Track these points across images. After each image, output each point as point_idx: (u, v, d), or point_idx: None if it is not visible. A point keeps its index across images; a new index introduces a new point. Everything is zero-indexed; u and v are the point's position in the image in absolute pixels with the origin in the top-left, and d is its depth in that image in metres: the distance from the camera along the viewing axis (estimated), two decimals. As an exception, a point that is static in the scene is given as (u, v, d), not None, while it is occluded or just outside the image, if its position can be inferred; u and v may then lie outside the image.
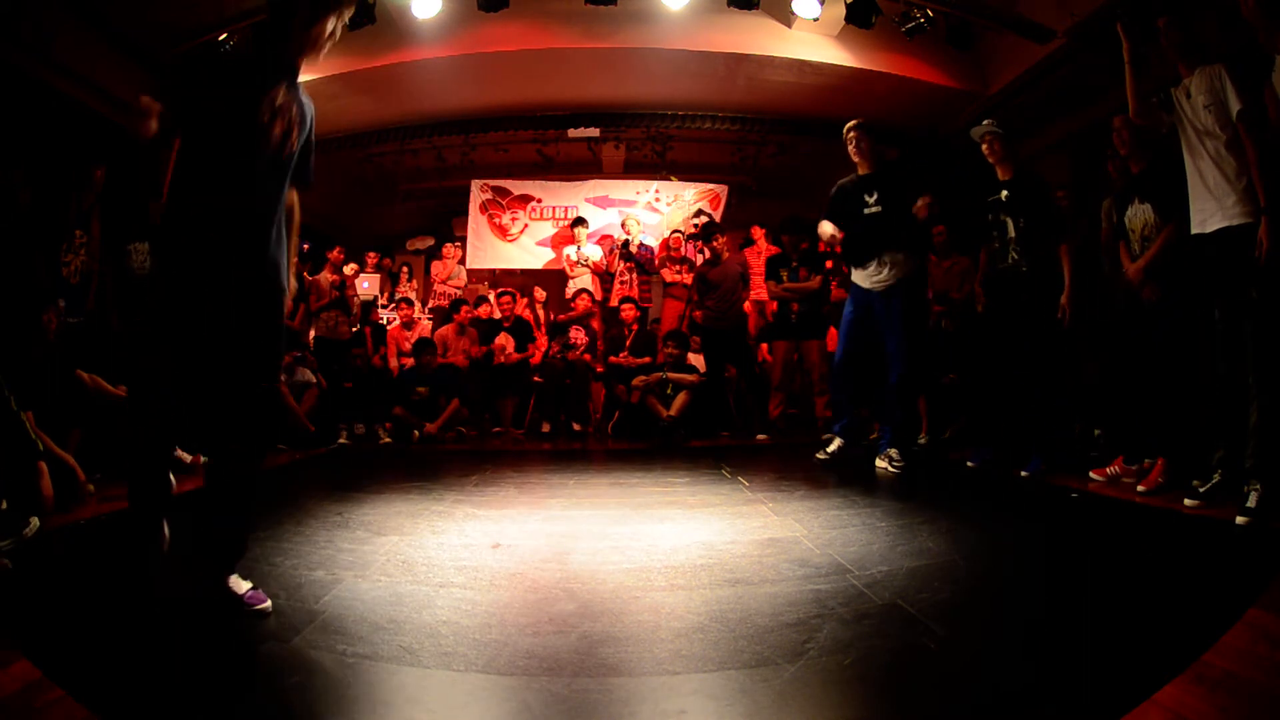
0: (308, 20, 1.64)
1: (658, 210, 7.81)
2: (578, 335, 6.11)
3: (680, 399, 5.42)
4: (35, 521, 2.10)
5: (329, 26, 1.67)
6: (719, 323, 5.65)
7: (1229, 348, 2.49)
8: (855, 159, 3.72)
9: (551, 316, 6.83)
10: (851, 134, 3.69)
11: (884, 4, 5.01)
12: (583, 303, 6.27)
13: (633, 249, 6.64)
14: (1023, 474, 3.36)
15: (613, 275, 6.66)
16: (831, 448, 3.80)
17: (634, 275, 6.60)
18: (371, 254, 7.34)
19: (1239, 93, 2.39)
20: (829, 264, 5.74)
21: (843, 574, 1.82)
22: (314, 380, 5.40)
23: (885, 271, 3.60)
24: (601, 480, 3.49)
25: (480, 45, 5.52)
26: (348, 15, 1.74)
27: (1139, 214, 3.09)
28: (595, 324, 6.61)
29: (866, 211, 3.64)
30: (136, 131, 1.70)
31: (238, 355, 1.64)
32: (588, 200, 7.75)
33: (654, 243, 7.02)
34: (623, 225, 6.98)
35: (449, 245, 7.72)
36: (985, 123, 3.54)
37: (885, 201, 3.60)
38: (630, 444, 5.27)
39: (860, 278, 3.71)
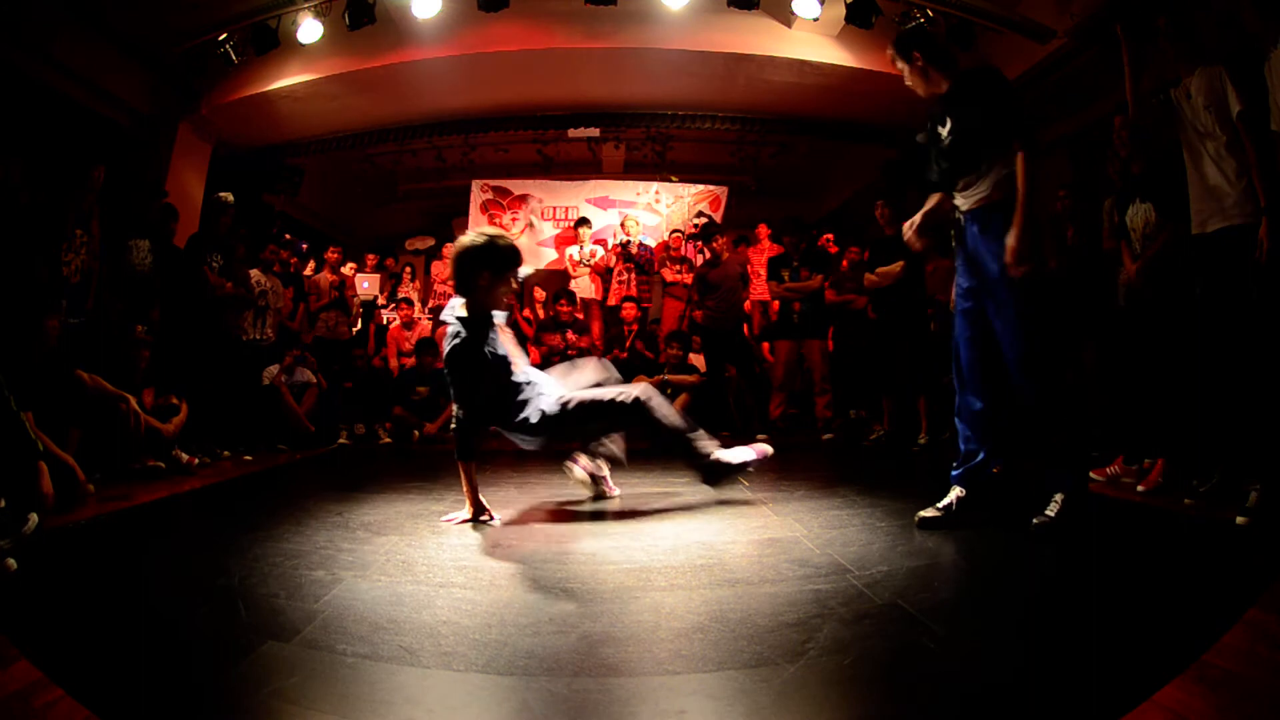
0: (488, 286, 2.49)
1: (658, 211, 7.82)
2: (561, 339, 6.10)
3: (680, 400, 5.42)
4: (34, 518, 2.10)
5: (501, 289, 2.51)
6: (719, 323, 5.65)
7: (1229, 348, 2.49)
8: (920, 91, 2.58)
9: (551, 314, 6.85)
10: (897, 62, 2.57)
11: (884, 4, 5.01)
12: (564, 309, 6.25)
13: (632, 249, 6.64)
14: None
15: (610, 272, 6.66)
16: (945, 501, 2.42)
17: (632, 275, 6.60)
18: (371, 255, 7.34)
19: (1239, 93, 2.39)
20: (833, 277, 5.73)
21: (843, 574, 1.82)
22: (314, 380, 5.41)
23: (976, 186, 2.39)
24: (601, 480, 3.48)
25: (480, 45, 5.52)
26: (513, 279, 2.55)
27: (1140, 213, 3.10)
28: (595, 325, 6.61)
29: (943, 146, 2.53)
30: None
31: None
32: (588, 200, 7.75)
33: (653, 243, 7.02)
34: (622, 225, 6.98)
35: (449, 245, 7.71)
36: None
37: (958, 129, 2.45)
38: (630, 444, 5.26)
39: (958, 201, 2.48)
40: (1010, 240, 2.20)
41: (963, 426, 2.48)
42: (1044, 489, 2.31)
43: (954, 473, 2.46)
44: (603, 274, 6.76)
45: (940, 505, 2.41)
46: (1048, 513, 2.26)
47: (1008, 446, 2.51)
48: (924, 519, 2.38)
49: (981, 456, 2.43)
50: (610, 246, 6.95)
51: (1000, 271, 2.26)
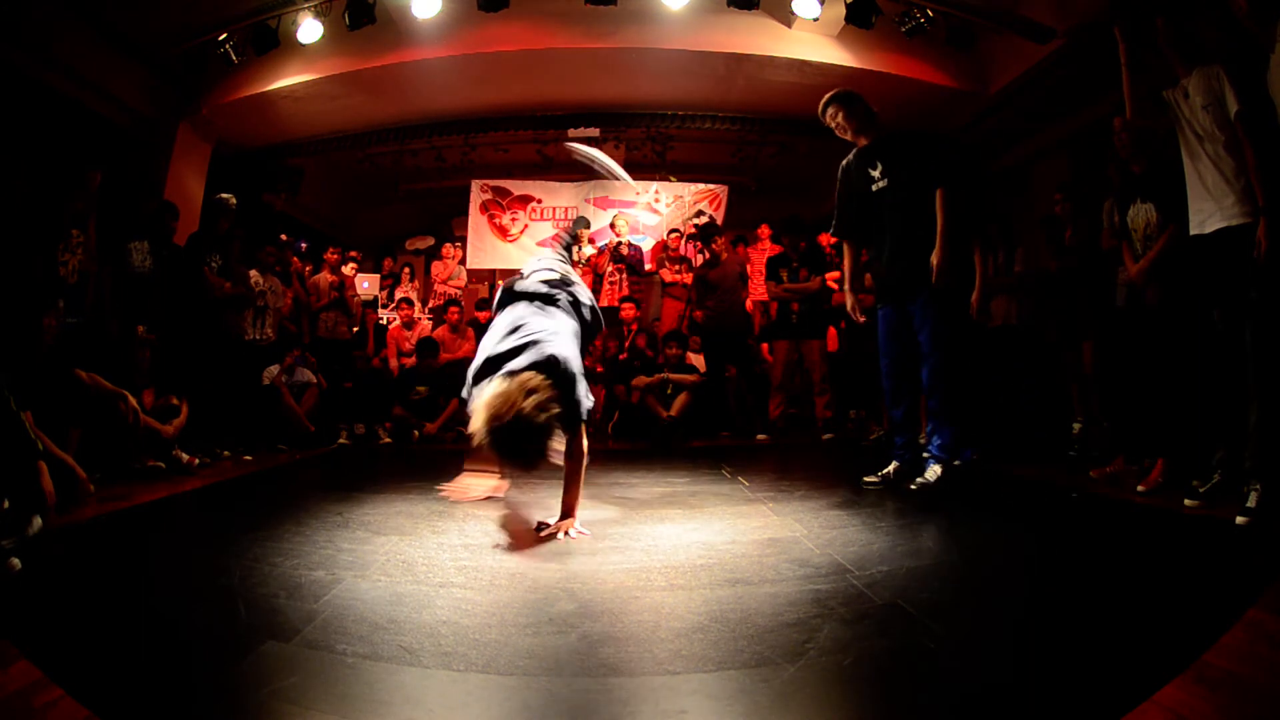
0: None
1: (658, 211, 7.82)
2: None
3: (680, 399, 5.43)
4: (39, 521, 2.10)
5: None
6: (719, 323, 5.65)
7: (1229, 349, 2.49)
8: (847, 138, 3.22)
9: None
10: (828, 110, 3.18)
11: (884, 4, 5.01)
12: None
13: (621, 250, 6.64)
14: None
15: (600, 275, 6.66)
16: (886, 470, 3.16)
17: (623, 276, 6.59)
18: (354, 252, 7.25)
19: (1237, 93, 2.39)
20: (835, 275, 5.75)
21: (843, 574, 1.82)
22: (314, 380, 5.41)
23: (902, 267, 3.05)
24: (601, 480, 3.49)
25: (480, 45, 5.52)
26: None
27: (1141, 214, 3.10)
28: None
29: (874, 189, 3.13)
30: None
31: None
32: (588, 200, 7.75)
33: (648, 242, 7.03)
34: (611, 226, 6.98)
35: (449, 245, 7.72)
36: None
37: (890, 173, 3.08)
38: (630, 444, 5.27)
39: (885, 287, 3.21)
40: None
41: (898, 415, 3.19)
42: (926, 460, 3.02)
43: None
44: (593, 273, 6.75)
45: (880, 473, 3.13)
46: (926, 477, 2.95)
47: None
48: (866, 483, 3.10)
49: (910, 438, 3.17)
50: (600, 248, 6.94)
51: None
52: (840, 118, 3.17)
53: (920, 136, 3.16)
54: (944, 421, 3.01)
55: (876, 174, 3.13)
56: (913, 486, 2.97)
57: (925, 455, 3.07)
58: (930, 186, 2.96)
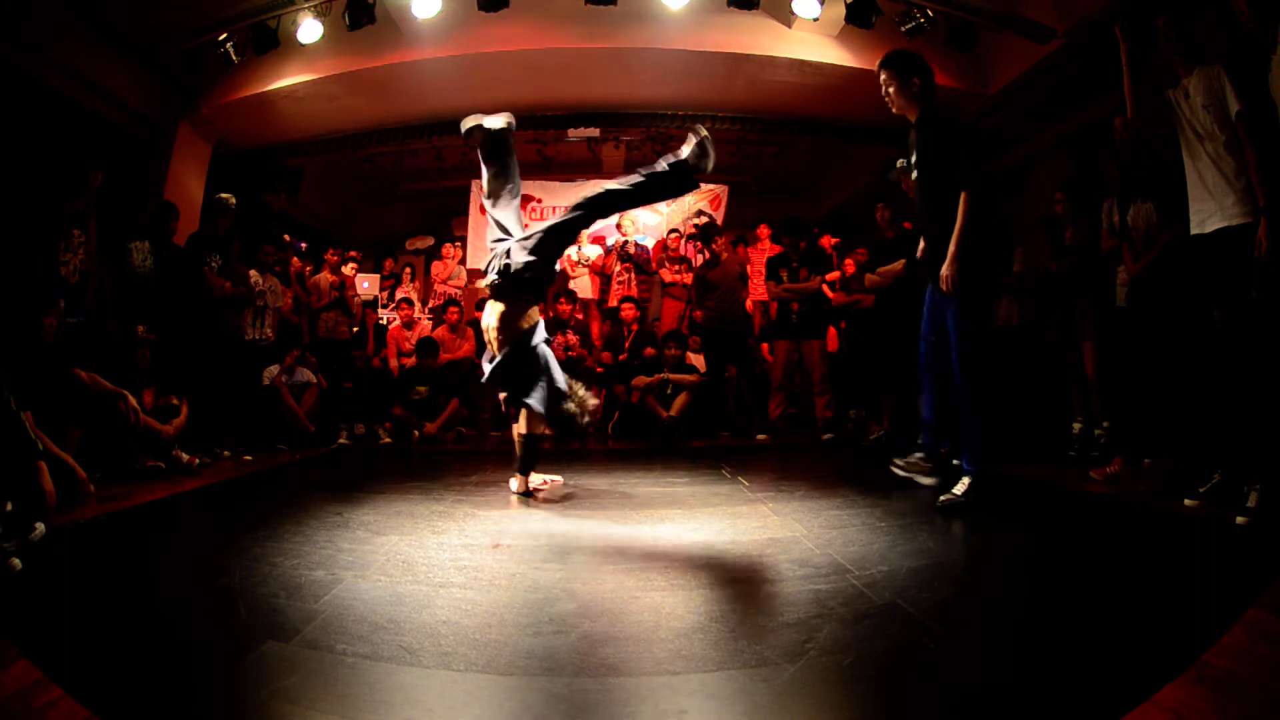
0: None
1: (658, 210, 7.81)
2: (563, 338, 6.08)
3: (680, 399, 5.42)
4: (41, 527, 2.11)
5: None
6: (719, 323, 5.65)
7: (1229, 349, 2.49)
8: (894, 111, 2.88)
9: (550, 315, 6.84)
10: (881, 74, 2.83)
11: (884, 4, 5.01)
12: (563, 308, 6.24)
13: (629, 249, 6.64)
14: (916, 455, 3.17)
15: (609, 276, 6.66)
16: (911, 458, 3.01)
17: (631, 275, 6.60)
18: (354, 252, 7.25)
19: (1238, 93, 2.39)
20: (832, 276, 5.77)
21: (843, 574, 1.82)
22: (314, 380, 5.40)
23: (929, 256, 2.83)
24: (601, 480, 3.49)
25: (480, 45, 5.52)
26: None
27: (1141, 213, 3.10)
28: (594, 326, 6.60)
29: (911, 175, 2.94)
30: None
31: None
32: (588, 200, 7.75)
33: (650, 241, 7.03)
34: (618, 226, 6.98)
35: (449, 245, 7.72)
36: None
37: (918, 164, 2.85)
38: (630, 444, 5.27)
39: (921, 268, 2.95)
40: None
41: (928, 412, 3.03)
42: (958, 472, 2.74)
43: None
44: (601, 275, 6.75)
45: (906, 460, 2.98)
46: (955, 491, 2.65)
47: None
48: (896, 466, 2.98)
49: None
50: (607, 248, 6.95)
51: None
52: (892, 90, 2.80)
53: (942, 131, 2.84)
54: (970, 424, 2.75)
55: (912, 160, 2.92)
56: (939, 502, 2.67)
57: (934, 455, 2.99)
58: (951, 187, 2.70)
